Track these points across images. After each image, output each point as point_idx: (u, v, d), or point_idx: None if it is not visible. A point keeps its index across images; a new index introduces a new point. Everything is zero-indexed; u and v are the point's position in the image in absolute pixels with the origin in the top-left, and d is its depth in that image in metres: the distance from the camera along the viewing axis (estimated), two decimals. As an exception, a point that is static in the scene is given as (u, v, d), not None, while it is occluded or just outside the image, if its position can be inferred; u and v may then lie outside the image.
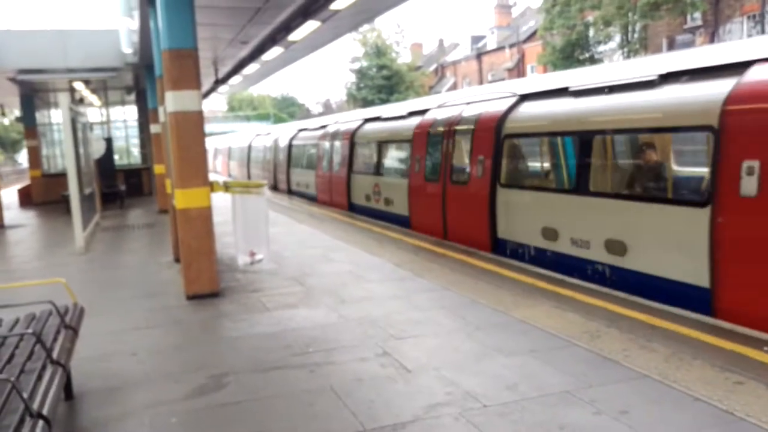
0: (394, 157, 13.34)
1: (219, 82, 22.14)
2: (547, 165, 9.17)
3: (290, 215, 14.30)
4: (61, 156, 21.52)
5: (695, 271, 5.89)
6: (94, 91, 21.61)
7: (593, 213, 7.22)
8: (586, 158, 7.40)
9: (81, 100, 21.75)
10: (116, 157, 23.04)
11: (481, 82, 50.51)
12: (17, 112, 27.11)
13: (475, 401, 4.13)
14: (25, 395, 3.14)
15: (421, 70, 57.92)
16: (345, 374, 4.76)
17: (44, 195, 21.01)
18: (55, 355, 3.90)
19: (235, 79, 23.11)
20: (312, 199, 17.95)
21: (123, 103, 23.62)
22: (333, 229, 11.73)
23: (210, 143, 40.07)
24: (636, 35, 31.39)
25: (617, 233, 6.84)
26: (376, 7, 12.92)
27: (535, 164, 9.43)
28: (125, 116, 24.04)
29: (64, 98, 11.50)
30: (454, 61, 58.98)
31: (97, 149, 17.26)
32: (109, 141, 21.23)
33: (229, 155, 34.58)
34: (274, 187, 22.76)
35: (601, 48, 33.77)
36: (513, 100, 8.99)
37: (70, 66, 15.95)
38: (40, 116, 22.31)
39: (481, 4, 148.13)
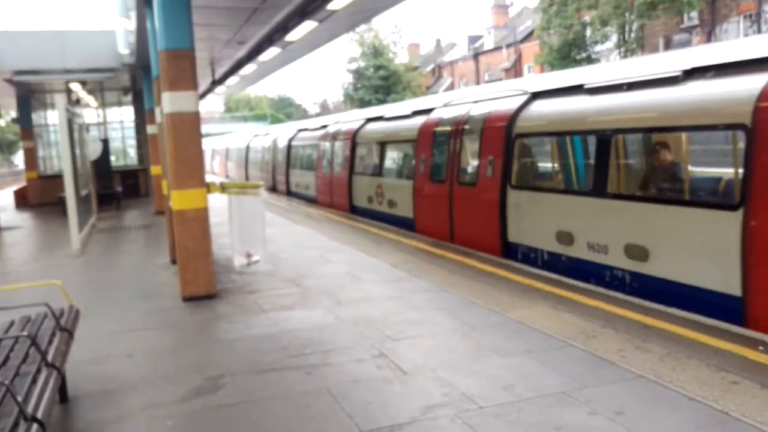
0: (397, 158, 13.05)
1: (216, 82, 22.15)
2: (561, 165, 8.74)
3: (287, 216, 14.30)
4: (57, 157, 21.47)
5: (725, 279, 5.60)
6: (90, 92, 21.58)
7: (612, 216, 6.88)
8: (605, 158, 7.06)
9: (77, 101, 21.72)
10: (113, 158, 23.04)
11: (478, 82, 50.52)
12: (13, 113, 27.06)
13: (471, 402, 4.12)
14: (20, 398, 3.13)
15: (419, 71, 57.91)
16: (341, 376, 4.76)
17: (40, 196, 20.98)
18: (50, 357, 3.89)
19: (232, 80, 23.12)
20: (312, 200, 17.61)
21: (120, 104, 23.61)
22: (330, 230, 11.72)
23: (207, 144, 39.93)
24: (633, 35, 31.40)
25: (638, 238, 6.50)
26: (373, 7, 12.93)
27: (548, 165, 9.01)
28: (122, 117, 24.03)
29: (60, 99, 11.54)
30: (451, 61, 58.98)
31: (94, 150, 17.23)
32: (105, 142, 21.23)
33: (226, 156, 34.28)
34: (273, 189, 22.49)
35: (598, 48, 33.77)
36: (524, 98, 8.66)
37: (66, 67, 15.92)
38: (37, 117, 22.30)
39: (478, 4, 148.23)
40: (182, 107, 7.22)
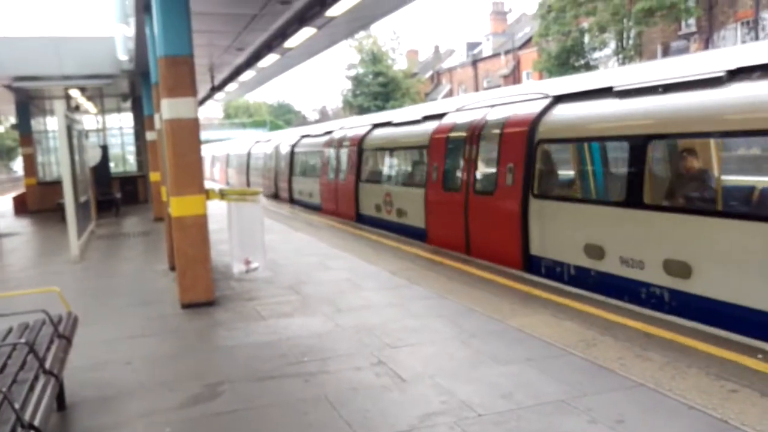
0: (407, 165, 12.62)
1: (215, 89, 22.18)
2: (590, 173, 8.17)
3: (287, 223, 14.29)
4: (56, 164, 21.48)
5: None
6: (89, 98, 21.61)
7: (648, 229, 6.39)
8: (640, 166, 6.54)
9: (77, 108, 21.74)
10: (112, 164, 23.06)
11: (476, 89, 50.60)
12: (12, 120, 27.07)
13: (470, 410, 4.11)
14: (17, 406, 3.12)
15: (417, 77, 58.03)
16: (340, 383, 4.74)
17: (39, 203, 20.96)
18: (47, 364, 3.88)
19: (232, 86, 23.15)
20: (316, 208, 17.16)
21: (119, 110, 23.63)
22: (330, 237, 11.72)
23: (207, 150, 39.86)
24: (631, 42, 31.49)
25: (679, 253, 6.03)
26: (371, 13, 12.95)
27: (576, 172, 8.39)
28: (121, 123, 24.04)
29: (59, 105, 11.49)
30: (449, 67, 59.12)
31: (93, 157, 17.23)
32: (104, 148, 21.26)
33: (227, 163, 33.92)
34: (275, 196, 22.14)
35: (597, 54, 33.86)
36: (546, 101, 8.18)
37: (65, 73, 15.95)
38: (36, 124, 22.30)
39: (476, 11, 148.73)
40: (181, 114, 7.22)
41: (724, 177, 6.59)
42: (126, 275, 9.84)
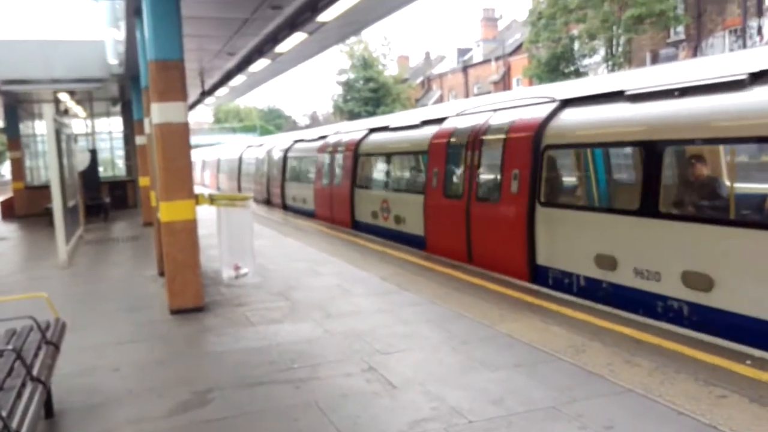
0: (406, 171, 12.39)
1: (205, 93, 22.11)
2: (602, 181, 7.85)
3: (277, 229, 14.26)
4: (44, 168, 21.35)
5: None
6: (78, 102, 21.49)
7: (666, 239, 6.07)
8: (656, 173, 6.22)
9: (65, 111, 21.63)
10: (101, 169, 22.93)
11: (467, 95, 50.75)
12: (0, 123, 26.93)
13: (460, 417, 4.11)
14: (4, 413, 3.10)
15: (408, 83, 58.15)
16: (330, 390, 4.73)
17: (27, 207, 20.80)
18: (35, 371, 3.85)
19: (222, 91, 23.09)
20: (309, 215, 16.83)
21: (108, 114, 23.51)
22: (319, 243, 11.70)
23: (198, 155, 39.57)
24: (620, 49, 31.68)
25: (699, 264, 5.71)
26: (362, 19, 12.97)
27: (586, 180, 8.09)
28: (110, 128, 23.92)
29: (48, 109, 11.45)
30: (440, 73, 59.25)
31: (82, 161, 17.15)
32: (93, 153, 21.16)
33: (218, 168, 33.47)
34: (268, 202, 21.85)
35: (586, 61, 34.05)
36: (553, 105, 7.87)
37: (54, 77, 15.86)
38: (24, 127, 22.16)
39: (467, 17, 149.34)
40: (171, 118, 7.21)
41: (746, 185, 6.35)
42: (114, 281, 9.78)
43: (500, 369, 4.93)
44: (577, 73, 33.12)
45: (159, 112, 7.20)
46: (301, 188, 18.26)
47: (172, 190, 7.25)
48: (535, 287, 7.43)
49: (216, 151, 36.72)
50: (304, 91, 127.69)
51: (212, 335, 6.35)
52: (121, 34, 12.35)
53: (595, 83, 8.28)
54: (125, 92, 19.10)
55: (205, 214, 8.71)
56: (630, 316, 6.07)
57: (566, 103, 7.81)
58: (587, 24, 31.07)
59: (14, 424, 3.10)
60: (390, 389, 4.65)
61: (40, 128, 22.24)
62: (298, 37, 12.98)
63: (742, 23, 27.81)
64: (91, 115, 23.26)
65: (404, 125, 12.32)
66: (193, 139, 11.47)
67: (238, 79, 19.66)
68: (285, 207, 19.92)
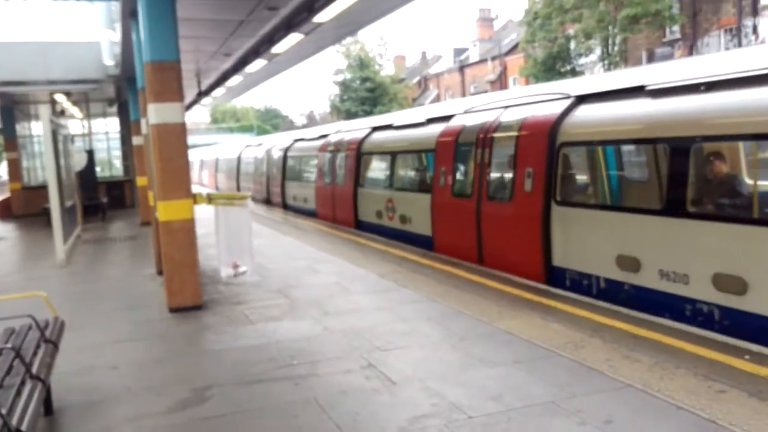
0: (412, 169, 12.14)
1: (202, 94, 22.09)
2: (622, 179, 7.60)
3: (276, 228, 14.25)
4: (41, 168, 21.32)
5: None
6: (75, 103, 21.46)
7: (694, 240, 5.81)
8: (683, 171, 5.96)
9: (62, 112, 21.58)
10: (98, 169, 22.86)
11: (463, 95, 50.79)
12: (-3, 124, 26.86)
13: (460, 412, 4.12)
14: (4, 411, 3.10)
15: (405, 83, 58.13)
16: (330, 387, 4.73)
17: (24, 207, 20.78)
18: (34, 369, 3.85)
19: (218, 91, 23.08)
20: (311, 214, 16.58)
21: (105, 115, 23.46)
22: (318, 241, 11.70)
23: (196, 155, 39.44)
24: (616, 48, 31.75)
25: (732, 266, 5.46)
26: (359, 20, 12.96)
27: (605, 178, 7.75)
28: (107, 128, 23.87)
29: (44, 110, 11.40)
30: (437, 73, 59.28)
31: (79, 161, 17.15)
32: (90, 153, 21.10)
33: (216, 167, 33.18)
34: (267, 201, 21.62)
35: (582, 60, 34.12)
36: (568, 102, 7.63)
37: (51, 78, 15.83)
38: (21, 128, 22.12)
39: (463, 17, 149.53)
40: (168, 118, 7.21)
41: None
42: (113, 280, 9.77)
43: (499, 365, 4.94)
44: (573, 73, 33.18)
45: (156, 113, 7.20)
46: (302, 187, 18.03)
47: (170, 189, 7.25)
48: (553, 289, 7.21)
49: (214, 151, 36.43)
50: (301, 91, 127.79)
51: (211, 333, 6.35)
52: (116, 36, 12.36)
53: (612, 79, 8.04)
54: (121, 93, 19.07)
55: (203, 213, 8.71)
56: (628, 312, 6.08)
57: (582, 100, 7.59)
58: (583, 23, 31.14)
59: (14, 421, 3.10)
60: (389, 386, 4.65)
61: (36, 129, 22.21)
62: (294, 38, 12.97)
63: (737, 22, 27.88)
64: (88, 116, 23.22)
65: (409, 123, 12.11)
66: (190, 139, 11.47)
67: (235, 80, 19.65)
68: (285, 206, 19.69)
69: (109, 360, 5.65)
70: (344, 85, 53.91)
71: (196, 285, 7.38)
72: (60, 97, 19.44)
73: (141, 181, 15.47)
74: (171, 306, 7.25)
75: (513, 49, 46.58)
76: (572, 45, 33.66)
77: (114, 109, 22.54)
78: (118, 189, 22.61)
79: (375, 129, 13.64)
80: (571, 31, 33.24)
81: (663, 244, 6.12)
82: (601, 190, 7.81)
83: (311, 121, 70.96)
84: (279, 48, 13.83)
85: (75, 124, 23.03)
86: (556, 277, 7.54)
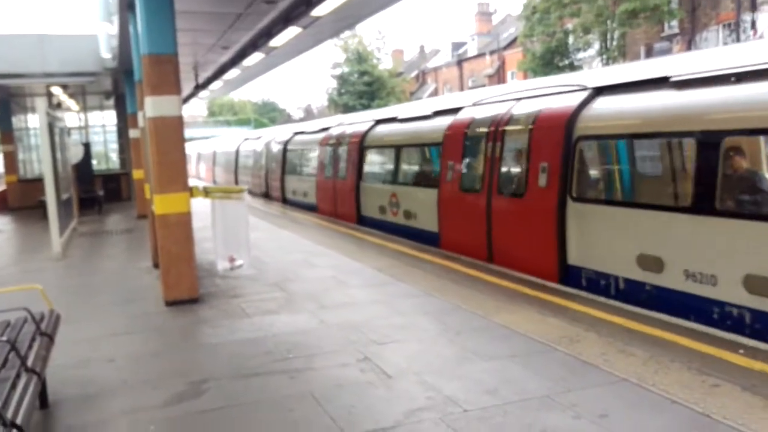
0: (417, 164, 11.86)
1: (199, 87, 22.04)
2: (644, 174, 7.18)
3: (273, 221, 14.24)
4: (38, 161, 21.26)
5: None
6: (72, 95, 21.41)
7: (724, 239, 5.52)
8: (711, 166, 5.65)
9: (58, 105, 21.53)
10: (94, 162, 22.86)
11: (462, 89, 50.70)
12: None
13: (455, 406, 4.13)
14: (-1, 403, 3.09)
15: (403, 77, 58.05)
16: (326, 380, 4.74)
17: (20, 200, 20.76)
18: (29, 362, 3.85)
19: (216, 85, 23.02)
20: (311, 209, 16.21)
21: (101, 108, 23.43)
22: (315, 235, 11.69)
23: (193, 148, 39.28)
24: (615, 43, 31.72)
25: (766, 268, 5.20)
26: (357, 13, 12.93)
27: (625, 173, 7.39)
28: (104, 121, 23.84)
29: (41, 103, 11.37)
30: (435, 67, 59.17)
31: (75, 154, 17.10)
32: (87, 146, 21.07)
33: (214, 161, 32.85)
34: (266, 195, 21.35)
35: (581, 55, 34.08)
36: (585, 94, 7.35)
37: (47, 71, 15.79)
38: (17, 121, 22.06)
39: (461, 11, 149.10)
40: (165, 111, 7.19)
41: None
42: (109, 273, 9.77)
43: (495, 359, 4.95)
44: (572, 67, 33.13)
45: (153, 106, 7.18)
46: (302, 182, 17.75)
47: (167, 182, 7.24)
48: (568, 289, 6.95)
49: (212, 144, 36.13)
50: (299, 84, 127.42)
51: (207, 327, 6.35)
52: (114, 29, 12.29)
53: (630, 70, 7.72)
54: (118, 86, 19.02)
55: (200, 206, 8.70)
56: (623, 307, 6.09)
57: (599, 92, 7.30)
58: (581, 18, 31.08)
59: (9, 414, 3.10)
60: (385, 379, 4.66)
61: (33, 122, 22.15)
62: (292, 32, 12.95)
63: (735, 17, 27.86)
64: (85, 109, 23.18)
65: (414, 116, 11.76)
66: (187, 132, 11.44)
67: (233, 73, 19.61)
68: (285, 201, 19.42)
69: (105, 353, 5.65)
70: (342, 79, 53.80)
71: (192, 278, 7.37)
72: (56, 90, 19.39)
73: (137, 174, 15.43)
74: (167, 299, 7.25)
75: (511, 44, 46.50)
76: (571, 39, 33.60)
77: (111, 101, 22.49)
78: (114, 182, 22.60)
79: (378, 122, 13.35)
80: (569, 26, 33.20)
81: (689, 243, 5.85)
82: (622, 186, 7.41)
83: (308, 114, 70.84)
84: (277, 41, 13.80)
85: (71, 116, 22.99)
86: (570, 276, 7.27)
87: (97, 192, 19.72)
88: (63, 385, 4.83)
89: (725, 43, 27.75)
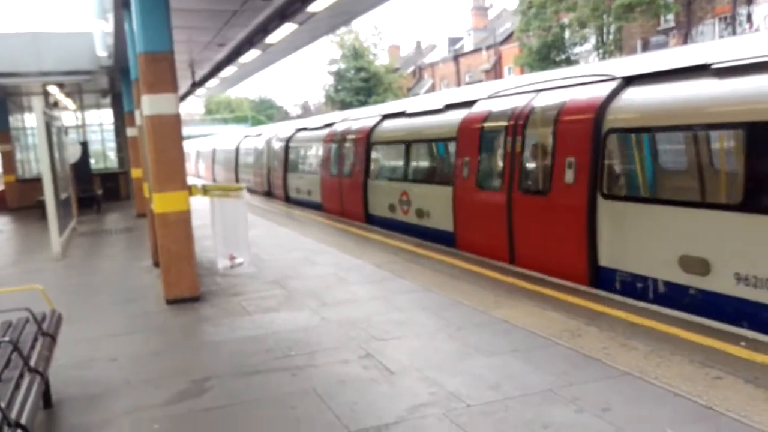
0: (429, 160, 11.49)
1: (196, 84, 22.00)
2: (686, 169, 6.66)
3: (272, 219, 14.23)
4: (35, 161, 21.21)
5: None
6: (68, 94, 21.36)
7: None
8: (766, 160, 5.28)
9: (55, 104, 21.47)
10: (92, 161, 22.82)
11: (458, 84, 50.69)
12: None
13: (458, 401, 4.13)
14: (3, 404, 3.09)
15: (399, 72, 58.02)
16: (328, 377, 4.75)
17: (19, 200, 20.73)
18: (32, 363, 3.85)
19: (213, 82, 22.99)
20: (316, 207, 15.72)
21: (98, 106, 23.38)
22: (315, 232, 11.69)
23: (191, 146, 39.09)
24: (611, 37, 31.73)
25: None
26: (353, 9, 12.92)
27: (664, 168, 7.02)
28: (101, 120, 23.80)
29: (38, 102, 11.34)
30: (431, 62, 59.12)
31: (73, 153, 17.06)
32: (84, 145, 21.03)
33: (213, 159, 32.35)
34: (268, 194, 20.88)
35: (577, 49, 34.09)
36: (613, 84, 6.92)
37: (43, 69, 15.76)
38: (14, 120, 22.02)
39: (457, 6, 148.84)
40: (162, 110, 7.18)
41: None
42: (109, 272, 9.76)
43: (497, 354, 4.96)
44: (568, 62, 33.14)
45: (149, 104, 7.17)
46: (306, 180, 17.23)
47: (165, 181, 7.23)
48: (601, 293, 6.54)
49: (211, 142, 35.67)
50: (295, 81, 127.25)
51: (208, 325, 6.35)
52: (109, 27, 12.27)
53: (666, 58, 7.22)
54: (115, 84, 18.98)
55: (199, 204, 8.69)
56: (626, 300, 6.10)
57: (630, 81, 6.86)
58: (577, 12, 31.10)
59: (13, 415, 3.10)
60: (387, 375, 4.67)
61: (30, 121, 22.10)
62: (288, 28, 12.93)
63: (731, 11, 27.87)
64: (81, 108, 23.13)
65: (425, 110, 11.24)
66: (185, 131, 11.41)
67: (229, 70, 19.58)
68: (288, 199, 18.86)
69: (107, 353, 5.65)
70: (339, 75, 53.79)
71: (192, 277, 7.37)
72: (53, 89, 19.34)
73: (136, 172, 15.42)
74: (168, 298, 7.25)
75: (508, 39, 46.46)
76: (567, 34, 33.61)
77: (108, 100, 22.44)
78: (112, 181, 22.56)
79: (385, 117, 12.88)
80: (565, 20, 33.20)
81: (740, 243, 5.41)
82: (660, 182, 7.00)
83: (306, 111, 70.75)
84: (273, 38, 13.78)
85: (68, 115, 22.94)
86: (602, 278, 6.83)
87: (95, 191, 19.69)
88: (66, 385, 4.83)
89: (721, 37, 27.75)
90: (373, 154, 12.89)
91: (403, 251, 9.26)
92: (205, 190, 8.58)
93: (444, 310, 6.21)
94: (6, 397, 3.29)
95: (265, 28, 13.25)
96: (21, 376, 3.65)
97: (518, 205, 8.00)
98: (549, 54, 33.90)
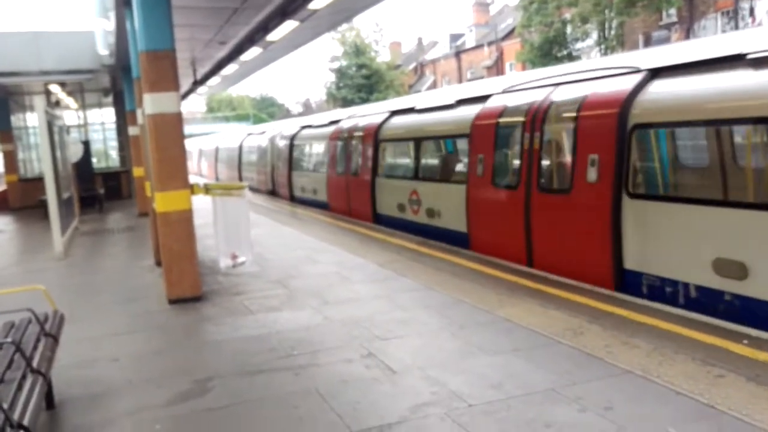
0: (440, 157, 11.18)
1: (197, 83, 22.03)
2: (723, 167, 6.20)
3: (274, 218, 14.23)
4: (37, 160, 21.24)
5: None
6: (70, 93, 21.37)
7: None
8: None
9: (57, 103, 21.50)
10: (94, 160, 22.82)
11: (460, 80, 50.62)
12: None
13: (460, 401, 4.13)
14: (5, 405, 3.09)
15: (401, 69, 57.96)
16: (330, 376, 4.75)
17: (21, 200, 20.75)
18: (35, 363, 3.85)
19: (214, 80, 23.00)
20: (322, 207, 15.40)
21: (100, 105, 23.38)
22: (317, 231, 11.69)
23: (194, 145, 39.00)
24: (613, 32, 31.67)
25: None
26: (354, 6, 12.92)
27: (696, 166, 6.72)
28: (103, 119, 23.80)
29: (39, 101, 11.35)
30: (433, 59, 59.06)
31: (75, 153, 17.06)
32: (86, 144, 21.03)
33: (216, 157, 32.06)
34: (272, 193, 20.59)
35: (579, 45, 34.03)
36: (638, 77, 6.55)
37: (44, 68, 15.76)
38: (16, 120, 22.03)
39: (459, 3, 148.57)
40: (164, 108, 7.18)
41: None
42: (111, 272, 9.77)
43: (499, 353, 4.95)
44: (570, 57, 33.09)
45: (151, 103, 7.17)
46: (311, 178, 16.84)
47: (167, 180, 7.23)
48: (627, 297, 6.23)
49: (213, 140, 35.41)
50: (297, 78, 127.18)
51: (211, 324, 6.35)
52: (111, 25, 12.26)
53: (693, 49, 6.87)
54: (117, 83, 18.98)
55: (201, 203, 8.68)
56: (628, 299, 6.09)
57: (656, 73, 6.50)
58: (579, 8, 31.03)
59: (16, 416, 3.10)
60: (390, 375, 4.67)
61: (32, 120, 22.12)
62: (289, 25, 12.93)
63: (734, 5, 27.78)
64: (83, 107, 23.13)
65: (435, 106, 10.84)
66: (187, 129, 11.40)
67: (230, 68, 19.59)
68: (293, 198, 18.53)
69: (109, 352, 5.66)
70: (340, 73, 53.74)
71: (195, 276, 7.37)
72: (55, 88, 19.36)
73: (138, 171, 15.41)
74: (170, 297, 7.25)
75: (509, 34, 46.41)
76: (569, 29, 33.56)
77: (109, 99, 22.46)
78: (114, 180, 22.58)
79: (394, 113, 12.51)
80: (567, 16, 33.14)
81: None
82: (692, 181, 6.73)
83: (307, 109, 70.75)
84: (274, 35, 13.78)
85: (70, 114, 22.95)
86: (628, 282, 6.52)
87: (97, 190, 19.72)
88: (68, 386, 4.84)
89: (723, 31, 27.67)
90: (382, 152, 12.54)
91: (406, 250, 9.25)
92: (207, 189, 8.57)
93: (447, 308, 6.21)
94: (8, 399, 3.30)
95: (267, 26, 13.26)
96: (23, 377, 3.65)
97: (537, 205, 7.68)
98: (551, 50, 33.85)
